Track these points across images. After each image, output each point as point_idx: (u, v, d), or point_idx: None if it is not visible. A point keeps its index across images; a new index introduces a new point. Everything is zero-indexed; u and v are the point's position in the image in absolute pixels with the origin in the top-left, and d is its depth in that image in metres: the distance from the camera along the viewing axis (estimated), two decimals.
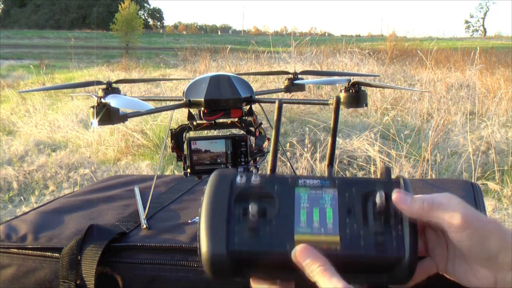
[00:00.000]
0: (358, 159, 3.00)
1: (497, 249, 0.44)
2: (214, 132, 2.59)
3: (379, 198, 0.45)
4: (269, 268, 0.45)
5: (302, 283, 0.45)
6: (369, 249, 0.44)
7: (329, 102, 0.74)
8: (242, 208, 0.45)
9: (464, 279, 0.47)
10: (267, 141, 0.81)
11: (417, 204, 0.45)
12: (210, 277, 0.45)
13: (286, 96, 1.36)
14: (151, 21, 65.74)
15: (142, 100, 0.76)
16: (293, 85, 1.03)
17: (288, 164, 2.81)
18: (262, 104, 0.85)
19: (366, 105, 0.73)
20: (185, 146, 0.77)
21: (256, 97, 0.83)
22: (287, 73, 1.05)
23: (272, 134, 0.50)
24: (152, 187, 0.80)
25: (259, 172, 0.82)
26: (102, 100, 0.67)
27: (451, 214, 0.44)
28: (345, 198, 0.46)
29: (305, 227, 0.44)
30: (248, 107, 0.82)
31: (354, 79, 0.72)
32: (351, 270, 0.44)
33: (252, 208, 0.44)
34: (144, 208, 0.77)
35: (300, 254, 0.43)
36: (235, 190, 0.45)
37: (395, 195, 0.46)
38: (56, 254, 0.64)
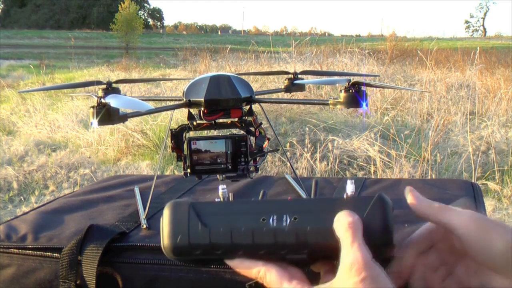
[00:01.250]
0: (358, 159, 2.99)
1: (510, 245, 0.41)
2: (214, 132, 2.59)
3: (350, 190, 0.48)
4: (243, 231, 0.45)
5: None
6: (339, 197, 0.47)
7: (329, 102, 0.74)
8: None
9: None
10: (267, 141, 0.82)
11: (427, 202, 0.46)
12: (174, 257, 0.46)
13: (286, 96, 1.36)
14: (151, 21, 65.75)
15: (142, 100, 0.76)
16: (293, 85, 1.03)
17: (288, 164, 2.81)
18: (262, 104, 0.85)
19: (366, 105, 0.72)
20: (185, 146, 0.77)
21: (256, 97, 0.83)
22: (287, 73, 1.04)
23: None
24: (152, 187, 0.80)
25: (259, 172, 0.82)
26: (102, 100, 0.67)
27: (459, 212, 0.44)
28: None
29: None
30: (248, 107, 0.82)
31: (354, 79, 0.72)
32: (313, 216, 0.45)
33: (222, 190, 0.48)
34: (144, 208, 0.77)
35: (346, 216, 0.43)
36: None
37: (409, 191, 0.47)
38: (56, 254, 0.64)
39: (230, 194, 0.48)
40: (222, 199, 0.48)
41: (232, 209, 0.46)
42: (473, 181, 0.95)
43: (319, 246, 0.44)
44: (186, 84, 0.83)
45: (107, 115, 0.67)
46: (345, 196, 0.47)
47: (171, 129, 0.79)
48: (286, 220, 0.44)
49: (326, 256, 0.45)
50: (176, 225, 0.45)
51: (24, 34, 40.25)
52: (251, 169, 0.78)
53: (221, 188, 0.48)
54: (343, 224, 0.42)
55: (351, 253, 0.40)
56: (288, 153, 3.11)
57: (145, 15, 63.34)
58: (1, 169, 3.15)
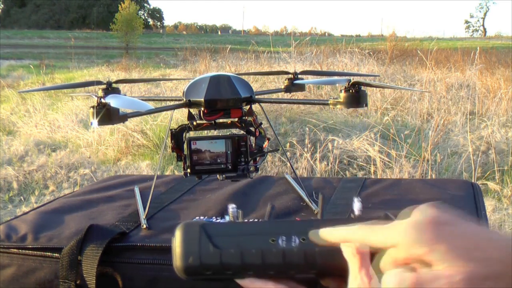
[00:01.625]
0: (358, 159, 3.00)
1: None
2: (214, 132, 2.59)
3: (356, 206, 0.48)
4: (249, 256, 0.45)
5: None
6: (346, 218, 0.47)
7: (329, 102, 0.74)
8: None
9: None
10: (267, 141, 0.82)
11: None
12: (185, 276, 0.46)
13: (286, 96, 1.36)
14: (151, 21, 65.75)
15: (142, 100, 0.76)
16: (293, 85, 1.03)
17: (288, 164, 2.81)
18: (262, 104, 0.85)
19: (366, 105, 0.72)
20: (185, 146, 0.77)
21: (256, 97, 0.83)
22: (287, 73, 1.04)
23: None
24: (152, 187, 0.80)
25: (259, 172, 0.82)
26: (102, 100, 0.67)
27: None
28: None
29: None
30: (248, 107, 0.82)
31: (354, 79, 0.72)
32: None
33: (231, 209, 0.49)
34: (144, 208, 0.77)
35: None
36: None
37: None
38: (56, 254, 0.64)
39: (239, 213, 0.49)
40: (232, 219, 0.48)
41: (242, 230, 0.46)
42: (473, 181, 0.95)
43: (327, 266, 0.45)
44: (186, 84, 0.82)
45: (107, 115, 0.67)
46: (352, 216, 0.47)
47: (171, 129, 0.79)
48: (295, 241, 0.45)
49: (335, 274, 0.46)
50: (187, 246, 0.45)
51: (24, 34, 40.26)
52: (251, 169, 0.78)
53: (231, 207, 0.49)
54: (351, 249, 0.42)
55: (359, 279, 0.40)
56: (288, 153, 3.11)
57: (145, 15, 63.37)
58: (1, 169, 3.15)
